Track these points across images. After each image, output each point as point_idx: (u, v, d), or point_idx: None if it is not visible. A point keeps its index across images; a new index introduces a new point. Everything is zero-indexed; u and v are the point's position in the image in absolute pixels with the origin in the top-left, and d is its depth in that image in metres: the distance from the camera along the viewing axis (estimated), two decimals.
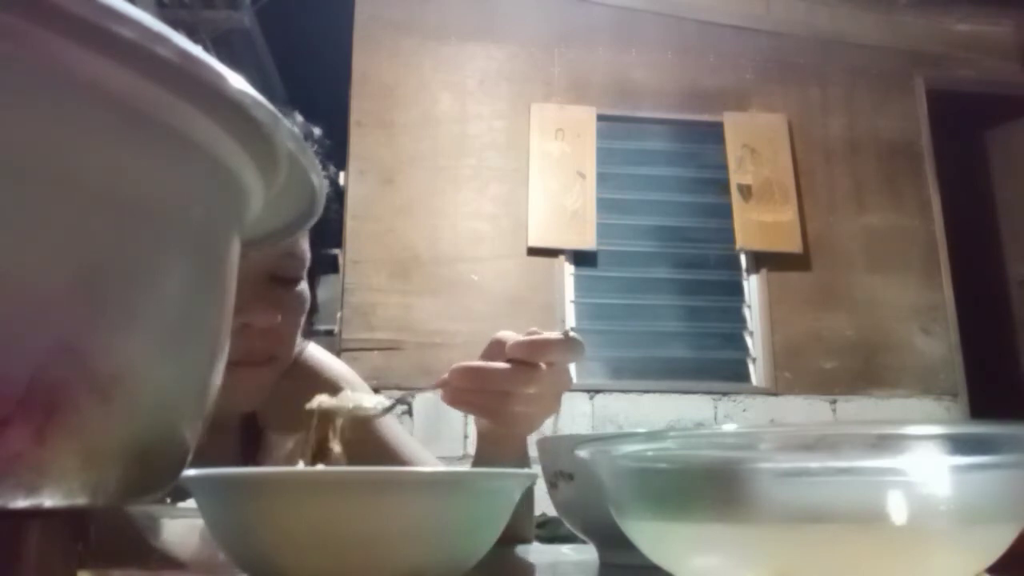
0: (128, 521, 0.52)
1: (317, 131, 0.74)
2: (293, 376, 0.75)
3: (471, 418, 0.75)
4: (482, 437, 0.68)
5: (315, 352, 0.83)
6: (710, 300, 3.05)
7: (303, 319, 0.71)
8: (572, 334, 0.60)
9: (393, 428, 0.84)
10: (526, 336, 0.59)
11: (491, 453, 0.67)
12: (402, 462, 0.80)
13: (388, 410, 0.63)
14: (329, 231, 0.72)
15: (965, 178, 3.53)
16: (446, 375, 0.59)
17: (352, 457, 0.73)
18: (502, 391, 0.59)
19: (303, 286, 0.70)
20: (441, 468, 0.76)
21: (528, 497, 0.64)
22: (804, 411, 2.92)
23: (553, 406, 0.63)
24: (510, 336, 0.60)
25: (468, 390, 0.59)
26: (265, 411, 0.76)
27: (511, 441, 0.67)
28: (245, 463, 0.75)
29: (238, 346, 0.61)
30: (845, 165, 3.21)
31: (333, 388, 0.75)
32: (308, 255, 0.70)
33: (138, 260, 0.20)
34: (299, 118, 0.73)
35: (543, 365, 0.59)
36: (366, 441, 0.80)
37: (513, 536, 0.54)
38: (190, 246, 0.22)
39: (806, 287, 3.05)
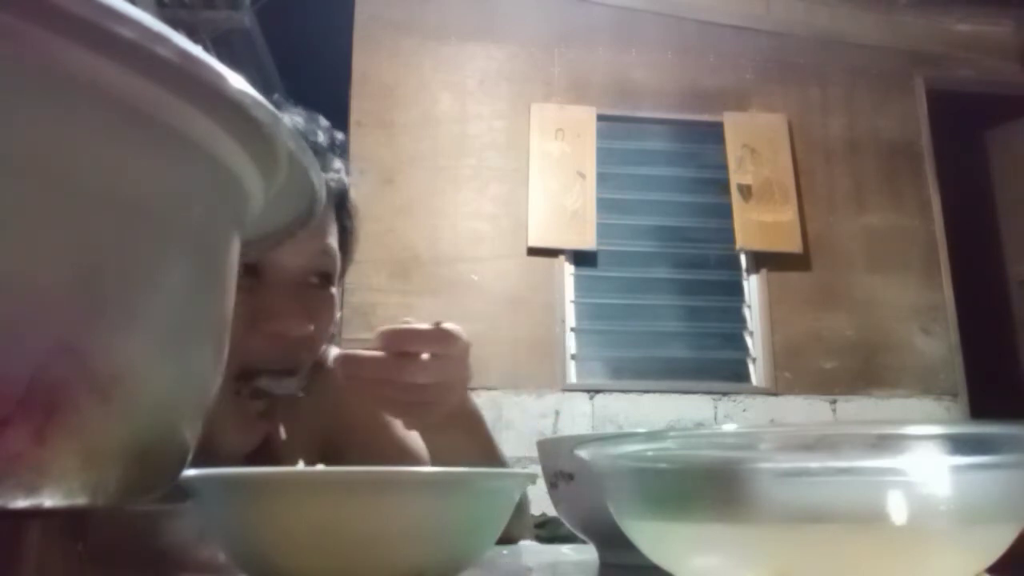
0: (128, 521, 0.52)
1: (340, 136, 0.72)
2: (319, 382, 0.70)
3: None
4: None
5: None
6: (710, 300, 3.05)
7: (332, 323, 0.70)
8: (445, 325, 0.60)
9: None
10: (397, 325, 0.59)
11: (435, 443, 0.68)
12: (414, 461, 0.80)
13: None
14: None
15: (965, 178, 3.52)
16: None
17: (367, 457, 0.72)
18: (377, 379, 0.59)
19: (333, 288, 0.69)
20: (443, 468, 0.76)
21: (521, 497, 0.64)
22: (804, 411, 2.91)
23: (447, 397, 0.62)
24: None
25: (350, 377, 0.59)
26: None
27: (456, 432, 0.67)
28: (248, 462, 0.75)
29: (266, 354, 0.60)
30: (845, 165, 3.21)
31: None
32: (338, 252, 0.69)
33: (138, 260, 0.20)
34: (324, 122, 0.71)
35: (424, 356, 0.59)
36: (380, 441, 0.80)
37: (507, 536, 0.54)
38: (190, 246, 0.22)
39: (806, 287, 3.05)
